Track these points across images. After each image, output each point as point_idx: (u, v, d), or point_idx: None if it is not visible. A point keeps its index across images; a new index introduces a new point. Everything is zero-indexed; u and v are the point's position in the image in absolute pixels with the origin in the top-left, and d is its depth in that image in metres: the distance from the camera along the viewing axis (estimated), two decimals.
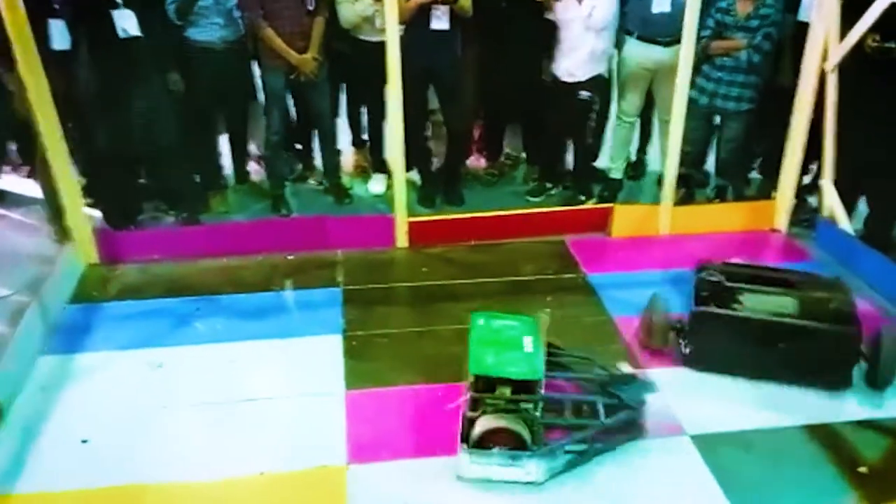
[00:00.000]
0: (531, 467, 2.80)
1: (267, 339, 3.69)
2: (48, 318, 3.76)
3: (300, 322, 3.88)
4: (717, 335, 3.42)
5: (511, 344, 3.06)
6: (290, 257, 4.46)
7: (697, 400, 3.29)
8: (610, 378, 3.21)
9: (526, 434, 2.80)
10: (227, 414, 3.21)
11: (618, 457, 2.98)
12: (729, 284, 3.55)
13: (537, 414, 2.90)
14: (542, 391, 2.95)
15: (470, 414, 2.86)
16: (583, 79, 4.80)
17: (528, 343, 3.07)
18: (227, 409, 3.23)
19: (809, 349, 3.30)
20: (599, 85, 4.88)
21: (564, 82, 4.84)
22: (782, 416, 3.18)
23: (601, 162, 5.48)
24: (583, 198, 5.20)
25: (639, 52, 4.81)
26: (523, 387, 2.92)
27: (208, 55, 4.53)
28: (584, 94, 4.85)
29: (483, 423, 2.81)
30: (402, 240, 4.58)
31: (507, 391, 2.92)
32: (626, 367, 3.29)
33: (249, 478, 2.88)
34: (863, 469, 2.89)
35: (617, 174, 5.28)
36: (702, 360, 3.46)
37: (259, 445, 3.03)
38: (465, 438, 2.82)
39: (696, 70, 4.78)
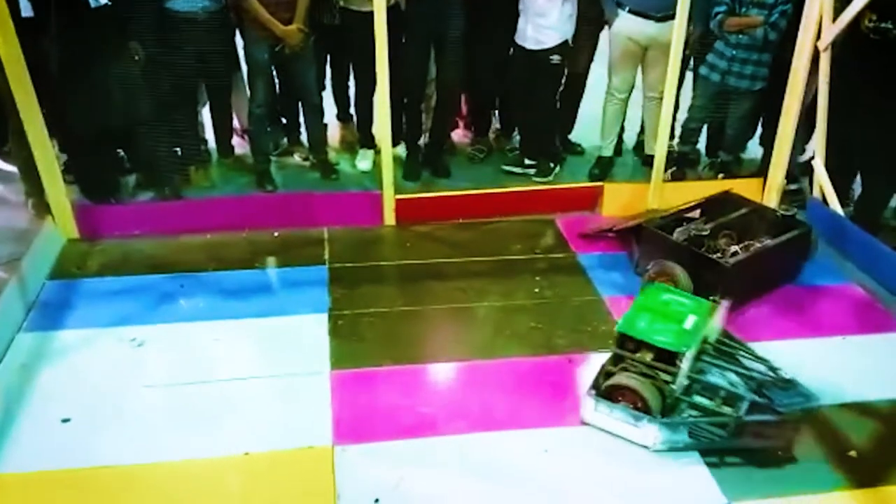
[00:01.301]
0: (649, 432, 2.86)
1: (251, 318, 3.63)
2: (27, 294, 3.69)
3: (285, 300, 3.82)
4: (745, 275, 3.75)
5: (671, 317, 3.08)
6: (275, 234, 4.39)
7: None
8: (772, 380, 3.10)
9: (654, 401, 2.86)
10: (210, 393, 3.15)
11: (606, 440, 2.95)
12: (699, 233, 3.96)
13: (673, 387, 2.91)
14: (684, 368, 2.96)
15: (608, 367, 3.02)
16: (551, 45, 4.74)
17: (690, 321, 3.07)
18: (210, 389, 3.18)
19: (794, 250, 4.04)
20: (566, 51, 4.82)
21: (531, 50, 4.78)
22: None
23: (587, 138, 5.45)
24: (552, 165, 5.17)
25: (630, 27, 4.74)
26: (668, 358, 2.96)
27: (190, 26, 4.40)
28: (555, 57, 4.79)
29: (616, 379, 2.94)
30: (389, 217, 4.52)
31: (647, 356, 2.98)
32: (789, 374, 3.12)
33: (234, 458, 2.84)
34: (852, 453, 2.88)
35: (608, 152, 5.23)
36: (736, 302, 3.61)
37: (243, 425, 2.99)
38: (596, 386, 2.98)
39: (709, 47, 4.75)
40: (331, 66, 5.19)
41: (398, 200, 4.49)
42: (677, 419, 2.90)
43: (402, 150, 5.17)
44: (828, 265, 4.19)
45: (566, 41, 4.77)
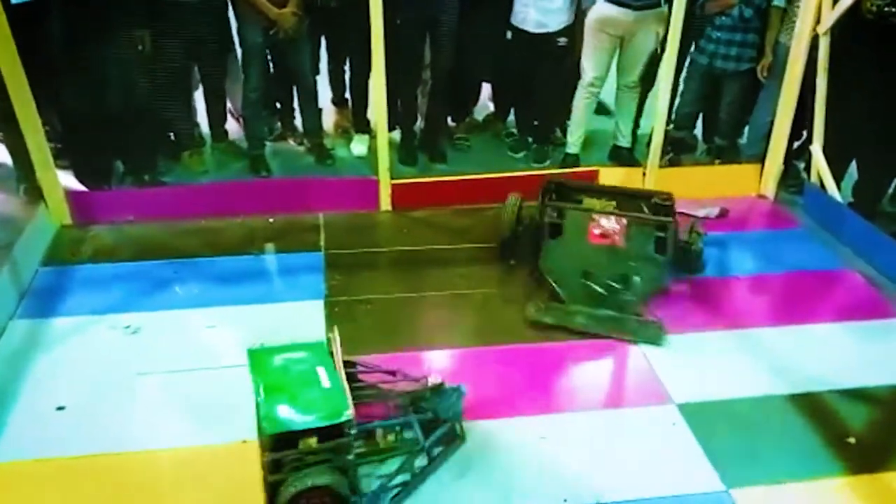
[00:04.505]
0: None
1: (246, 305, 3.60)
2: (20, 281, 3.65)
3: (281, 287, 3.81)
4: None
5: (305, 382, 2.57)
6: (270, 220, 4.36)
7: (683, 368, 3.26)
8: (420, 392, 2.89)
9: (343, 485, 2.45)
10: (206, 380, 3.13)
11: (604, 426, 2.95)
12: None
13: (350, 458, 2.49)
14: (353, 428, 2.50)
15: (272, 478, 2.41)
16: (556, 28, 4.74)
17: (323, 376, 2.60)
18: (206, 376, 3.15)
19: None
20: (570, 34, 4.83)
21: (535, 34, 4.76)
22: (767, 385, 3.16)
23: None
24: (548, 150, 5.22)
25: (608, 16, 4.67)
26: (329, 431, 2.46)
27: (182, 10, 4.36)
28: (562, 40, 4.78)
29: (290, 488, 2.38)
30: (385, 203, 4.49)
31: (312, 441, 2.44)
32: (435, 379, 2.89)
33: (231, 445, 2.82)
34: (850, 439, 2.88)
35: (574, 149, 5.15)
36: None
37: (240, 412, 2.94)
38: None
39: (700, 32, 4.73)
40: (326, 50, 5.15)
41: (394, 186, 4.46)
42: (377, 489, 2.57)
43: (397, 134, 5.13)
44: (825, 251, 4.19)
45: (570, 25, 4.75)
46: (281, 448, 2.42)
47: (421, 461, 2.71)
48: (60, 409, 2.97)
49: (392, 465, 2.69)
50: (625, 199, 3.90)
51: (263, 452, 2.43)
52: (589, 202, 3.89)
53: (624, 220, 3.58)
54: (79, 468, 2.72)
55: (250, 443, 2.80)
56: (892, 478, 2.73)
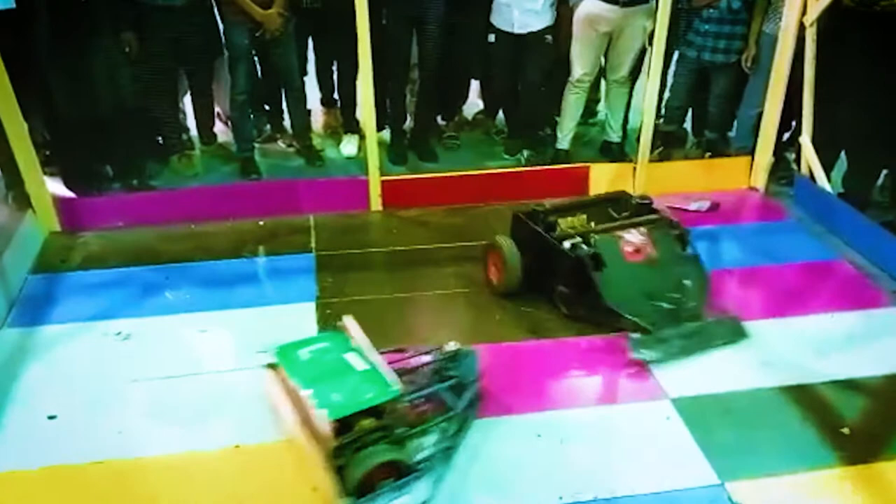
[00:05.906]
0: (421, 487, 2.58)
1: (238, 308, 3.59)
2: (9, 289, 3.63)
3: (272, 290, 3.79)
4: None
5: (340, 369, 2.72)
6: (261, 222, 4.34)
7: (677, 363, 3.25)
8: (440, 361, 2.99)
9: (405, 457, 2.58)
10: (199, 386, 3.11)
11: (598, 423, 2.95)
12: None
13: (403, 430, 2.66)
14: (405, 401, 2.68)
15: (337, 462, 2.50)
16: (539, 28, 4.73)
17: (355, 360, 2.75)
18: (198, 381, 3.14)
19: None
20: (554, 32, 4.82)
21: (518, 35, 4.75)
22: (761, 377, 3.16)
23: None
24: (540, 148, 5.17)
25: (595, 12, 4.64)
26: (378, 409, 2.60)
27: (168, 14, 4.33)
28: (548, 37, 4.78)
29: (359, 469, 2.48)
30: (375, 203, 4.48)
31: (367, 422, 2.57)
32: (452, 346, 2.98)
33: (224, 450, 2.80)
34: (845, 430, 2.88)
35: (564, 144, 5.14)
36: None
37: (233, 418, 2.95)
38: (346, 491, 2.46)
39: (688, 25, 4.72)
40: (313, 51, 5.13)
41: (385, 185, 4.45)
42: (431, 453, 2.66)
43: (386, 134, 5.12)
44: (816, 242, 4.20)
45: (553, 24, 4.74)
46: (340, 433, 2.50)
47: (456, 425, 2.80)
48: (52, 417, 2.95)
49: (432, 433, 2.77)
50: (596, 208, 3.84)
51: (325, 440, 2.50)
52: (565, 221, 3.75)
53: (643, 229, 3.51)
54: (71, 477, 2.69)
55: (243, 448, 2.81)
56: (886, 467, 2.73)
